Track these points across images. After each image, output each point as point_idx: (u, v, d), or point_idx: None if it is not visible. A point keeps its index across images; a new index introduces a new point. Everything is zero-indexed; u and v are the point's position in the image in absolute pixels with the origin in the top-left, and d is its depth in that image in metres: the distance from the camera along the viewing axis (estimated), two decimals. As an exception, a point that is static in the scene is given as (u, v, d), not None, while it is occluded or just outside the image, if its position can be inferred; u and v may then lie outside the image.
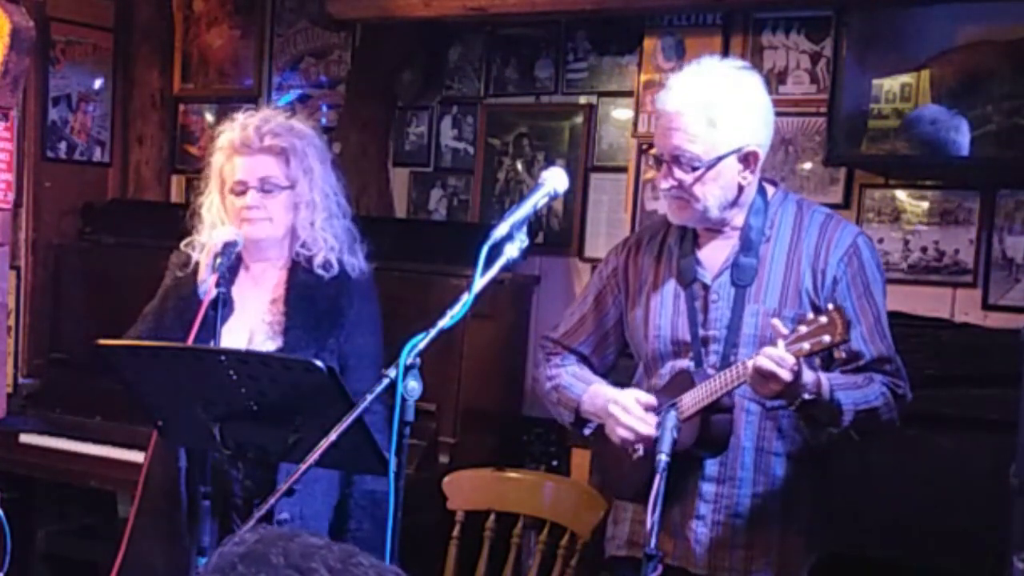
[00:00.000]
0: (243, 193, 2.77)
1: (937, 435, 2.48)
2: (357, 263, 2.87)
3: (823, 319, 2.15)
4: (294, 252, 2.83)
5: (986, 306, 3.49)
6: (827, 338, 2.14)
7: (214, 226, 2.82)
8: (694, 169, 2.37)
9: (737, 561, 2.46)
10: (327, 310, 2.80)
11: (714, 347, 2.44)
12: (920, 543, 3.22)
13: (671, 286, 2.53)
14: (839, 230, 2.44)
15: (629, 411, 2.45)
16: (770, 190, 2.51)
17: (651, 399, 2.47)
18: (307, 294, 2.81)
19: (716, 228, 2.48)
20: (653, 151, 2.46)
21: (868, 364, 2.40)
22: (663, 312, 2.53)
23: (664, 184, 2.42)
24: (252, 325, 2.78)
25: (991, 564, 2.81)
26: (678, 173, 2.39)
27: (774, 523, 2.46)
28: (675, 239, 2.56)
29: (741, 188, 2.42)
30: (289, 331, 2.78)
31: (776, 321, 2.23)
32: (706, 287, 2.47)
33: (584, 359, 2.70)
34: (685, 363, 2.48)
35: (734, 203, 2.44)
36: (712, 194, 2.39)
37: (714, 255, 2.49)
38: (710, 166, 2.36)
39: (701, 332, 2.46)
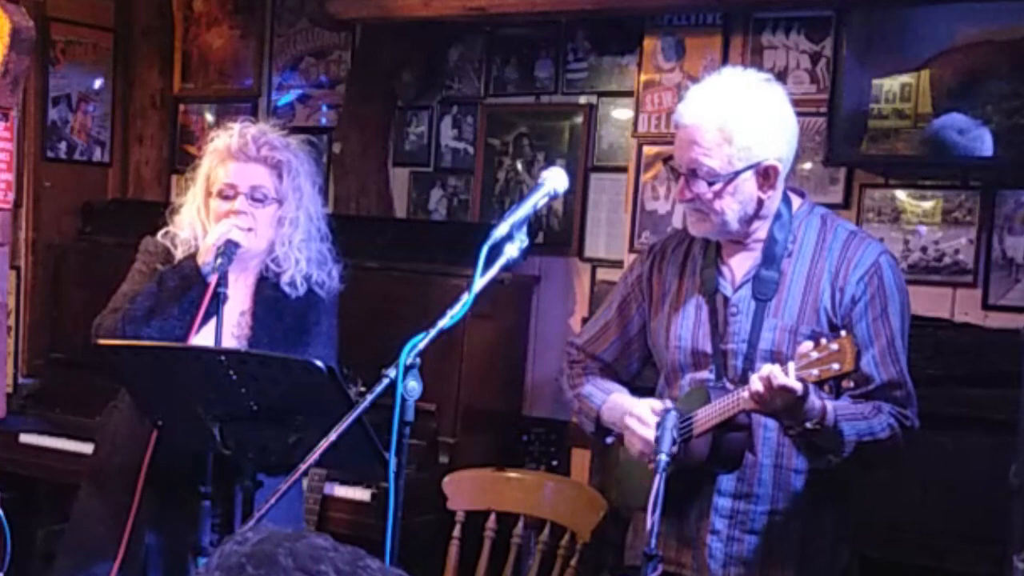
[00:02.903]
0: (231, 197, 2.76)
1: (937, 435, 2.47)
2: (328, 282, 2.86)
3: (834, 346, 2.11)
4: (263, 265, 2.83)
5: (986, 306, 3.48)
6: (836, 366, 2.10)
7: (192, 225, 2.81)
8: (711, 183, 2.34)
9: None
10: (293, 326, 2.81)
11: (733, 361, 2.42)
12: (919, 543, 3.22)
13: (694, 297, 2.50)
14: (862, 248, 2.39)
15: (645, 423, 2.43)
16: (796, 201, 2.47)
17: (666, 406, 2.46)
18: (274, 308, 2.81)
19: (739, 240, 2.45)
20: (672, 162, 2.42)
21: (878, 389, 2.36)
22: (684, 323, 2.50)
23: (682, 196, 2.39)
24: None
25: (991, 564, 2.81)
26: (696, 187, 2.36)
27: (793, 540, 2.42)
28: (700, 249, 2.53)
29: (761, 202, 2.39)
30: (254, 345, 2.77)
31: (808, 344, 2.19)
32: (727, 299, 2.45)
33: (607, 367, 2.68)
34: (704, 375, 2.46)
35: (755, 216, 2.40)
36: (730, 208, 2.36)
37: (737, 267, 2.46)
38: (728, 180, 2.33)
39: (721, 345, 2.44)
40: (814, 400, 2.23)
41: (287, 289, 2.81)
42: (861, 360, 2.32)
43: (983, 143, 3.42)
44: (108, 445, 2.90)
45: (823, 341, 2.15)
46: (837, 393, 2.34)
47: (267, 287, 2.83)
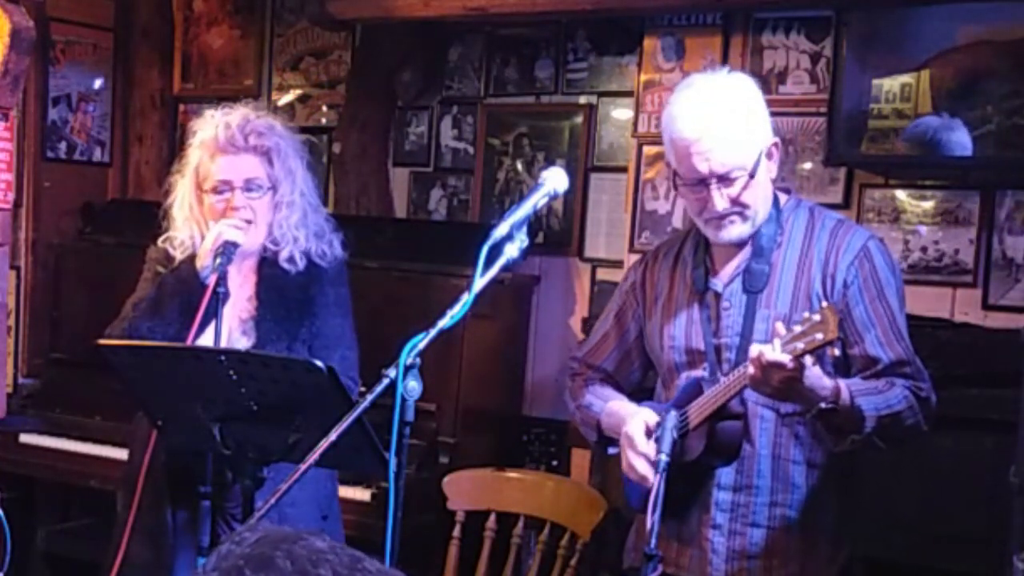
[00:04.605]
0: (225, 193, 2.75)
1: (937, 435, 2.47)
2: (329, 252, 2.84)
3: (816, 317, 2.13)
4: (263, 248, 2.82)
5: (986, 306, 3.49)
6: (819, 336, 2.11)
7: (188, 223, 2.80)
8: (749, 175, 2.35)
9: (756, 571, 2.43)
10: (297, 300, 2.80)
11: (727, 355, 2.43)
12: (919, 543, 3.22)
13: (685, 296, 2.52)
14: (850, 234, 2.42)
15: (635, 446, 2.42)
16: (783, 198, 2.49)
17: (661, 420, 2.45)
18: (276, 286, 2.80)
19: None
20: (684, 181, 2.40)
21: (886, 368, 2.36)
22: (677, 322, 2.51)
23: (720, 205, 2.36)
24: (229, 323, 2.77)
25: (991, 564, 2.81)
26: (727, 190, 2.36)
27: (794, 532, 2.43)
28: (690, 250, 2.55)
29: (772, 183, 2.44)
30: (261, 324, 2.77)
31: (779, 324, 2.22)
32: (718, 295, 2.46)
33: (609, 376, 2.69)
34: (699, 373, 2.46)
35: (768, 201, 2.43)
36: (759, 197, 2.39)
37: (726, 263, 2.48)
38: (755, 169, 2.35)
39: (714, 341, 2.45)
40: (823, 379, 2.23)
41: (286, 265, 2.80)
42: (865, 342, 2.36)
43: (962, 139, 3.43)
44: (139, 453, 2.89)
45: (806, 314, 2.16)
46: (836, 370, 2.35)
47: (267, 266, 2.82)
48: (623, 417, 2.51)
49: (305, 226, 2.81)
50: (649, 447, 2.40)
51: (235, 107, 2.83)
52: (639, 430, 2.44)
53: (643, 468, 2.40)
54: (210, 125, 2.78)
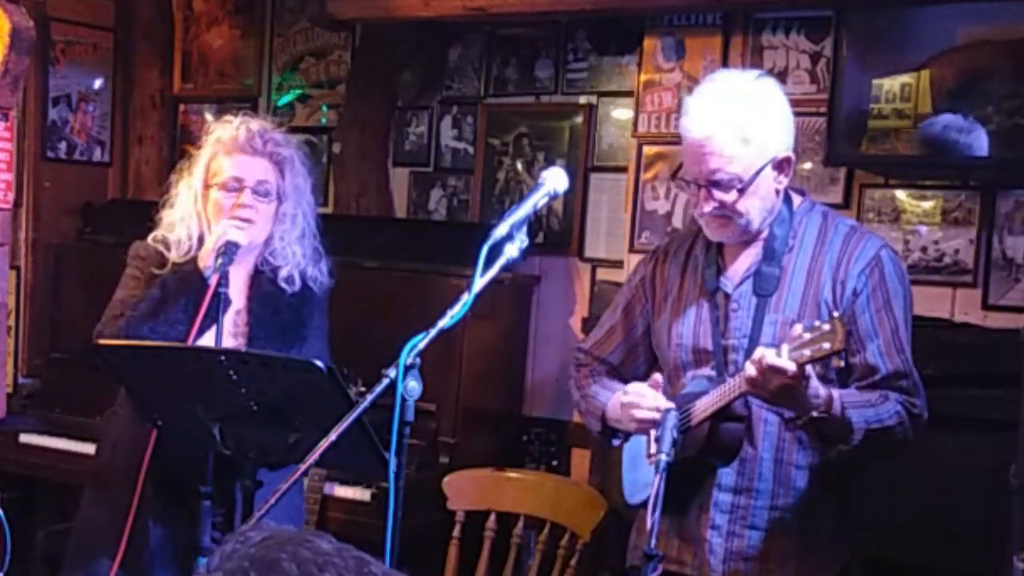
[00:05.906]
0: (235, 191, 2.75)
1: (937, 435, 2.47)
2: (320, 278, 2.87)
3: (825, 327, 2.12)
4: (259, 260, 2.83)
5: (986, 306, 3.49)
6: (827, 345, 2.11)
7: (186, 220, 2.80)
8: (737, 189, 2.34)
9: (752, 573, 2.43)
10: (290, 321, 2.81)
11: (734, 356, 2.43)
12: (919, 543, 3.22)
13: (695, 295, 2.52)
14: (862, 242, 2.42)
15: (643, 395, 2.45)
16: (796, 200, 2.49)
17: (657, 379, 2.47)
18: (270, 304, 2.81)
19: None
20: (682, 175, 2.41)
21: (884, 379, 2.37)
22: (685, 321, 2.51)
23: (707, 207, 2.37)
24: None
25: (991, 564, 2.81)
26: (719, 195, 2.36)
27: (793, 536, 2.43)
28: (701, 248, 2.55)
29: (778, 193, 2.42)
30: (253, 341, 2.77)
31: (798, 326, 2.20)
32: (728, 296, 2.46)
33: (614, 370, 2.69)
34: (706, 372, 2.46)
35: (772, 210, 2.42)
36: (754, 207, 2.38)
37: (737, 264, 2.48)
38: (751, 181, 2.35)
39: (722, 341, 2.45)
40: (819, 388, 2.24)
41: (284, 285, 2.81)
42: (867, 351, 2.36)
43: (979, 141, 3.42)
44: (108, 449, 2.90)
45: (816, 323, 2.16)
46: (840, 381, 2.35)
47: (264, 282, 2.83)
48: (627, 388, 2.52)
49: (303, 245, 2.84)
50: (658, 395, 2.41)
51: (255, 116, 2.87)
52: (643, 385, 2.47)
53: (653, 411, 2.39)
54: (230, 125, 2.81)
